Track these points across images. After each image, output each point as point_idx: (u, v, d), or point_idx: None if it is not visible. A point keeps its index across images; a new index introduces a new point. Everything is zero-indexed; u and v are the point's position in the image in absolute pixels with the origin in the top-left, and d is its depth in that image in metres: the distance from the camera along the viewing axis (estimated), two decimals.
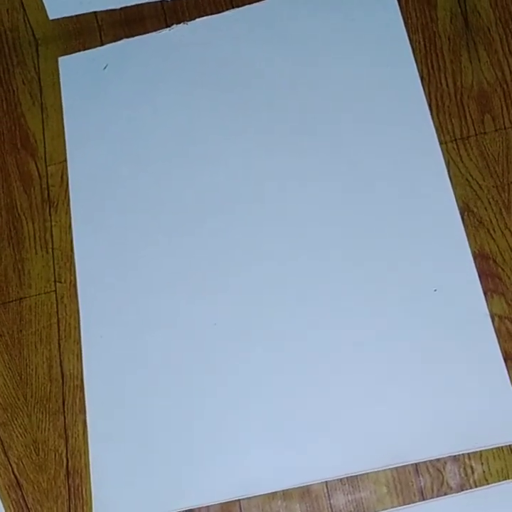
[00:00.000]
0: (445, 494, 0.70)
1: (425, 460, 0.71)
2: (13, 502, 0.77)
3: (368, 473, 0.72)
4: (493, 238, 0.77)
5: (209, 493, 0.74)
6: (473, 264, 0.76)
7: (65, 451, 0.78)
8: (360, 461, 0.72)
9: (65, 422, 0.80)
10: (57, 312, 0.84)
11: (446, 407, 0.72)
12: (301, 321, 0.78)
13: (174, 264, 0.83)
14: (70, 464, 0.78)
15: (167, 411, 0.77)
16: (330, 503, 0.72)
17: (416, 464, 0.71)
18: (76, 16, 0.97)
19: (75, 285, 0.85)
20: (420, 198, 0.80)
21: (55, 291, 0.85)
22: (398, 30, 0.87)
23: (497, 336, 0.73)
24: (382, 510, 0.71)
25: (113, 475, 0.76)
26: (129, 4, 0.96)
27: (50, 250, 0.87)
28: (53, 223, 0.89)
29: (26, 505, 0.77)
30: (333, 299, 0.78)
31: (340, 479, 0.72)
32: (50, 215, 0.89)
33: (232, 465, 0.74)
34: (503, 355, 0.73)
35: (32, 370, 0.82)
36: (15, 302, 0.86)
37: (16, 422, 0.80)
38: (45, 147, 0.92)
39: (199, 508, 0.74)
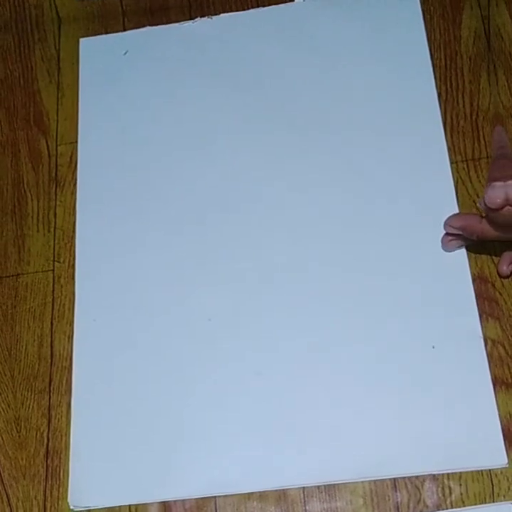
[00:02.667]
0: None
1: (404, 476, 0.71)
2: None
3: (345, 484, 0.72)
4: (494, 262, 0.77)
5: (185, 487, 0.74)
6: (471, 285, 0.76)
7: (46, 430, 0.78)
8: (339, 471, 0.72)
9: (49, 401, 0.80)
10: (52, 292, 0.84)
11: (431, 426, 0.72)
12: (297, 324, 0.78)
13: (174, 256, 0.83)
14: (50, 444, 0.78)
15: (152, 403, 0.77)
16: (305, 509, 0.72)
17: (394, 479, 0.71)
18: None
19: (73, 266, 0.85)
20: (425, 216, 0.80)
21: (53, 270, 0.85)
22: (421, 45, 0.87)
23: (488, 360, 0.73)
24: None
25: (92, 460, 0.76)
26: None
27: (52, 229, 0.87)
28: (58, 203, 0.89)
29: (2, 480, 0.77)
30: (325, 305, 0.78)
31: (318, 486, 0.72)
32: (55, 194, 0.89)
33: (211, 462, 0.74)
34: (492, 379, 0.73)
35: (22, 346, 0.82)
36: (12, 278, 0.86)
37: (0, 397, 0.80)
38: (57, 126, 0.92)
39: (175, 502, 0.74)
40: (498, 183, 0.67)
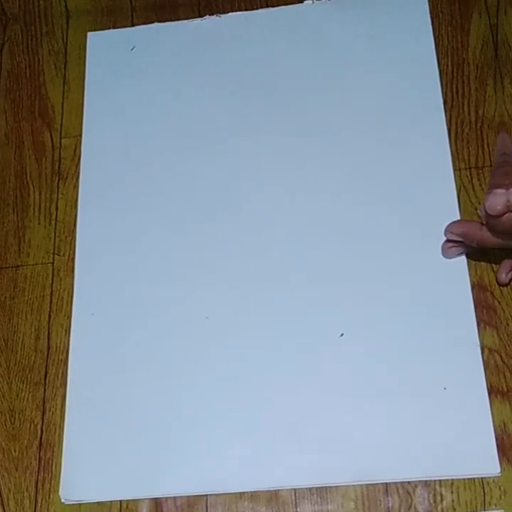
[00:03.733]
0: None
1: (396, 481, 0.71)
2: None
3: (337, 487, 0.72)
4: (493, 271, 0.77)
5: (177, 485, 0.74)
6: (470, 293, 0.76)
7: (40, 423, 0.78)
8: (331, 474, 0.72)
9: (44, 394, 0.79)
10: (51, 284, 0.84)
11: (424, 432, 0.72)
12: (294, 326, 0.78)
13: (173, 253, 0.83)
14: (43, 436, 0.78)
15: (146, 399, 0.77)
16: (296, 511, 0.72)
17: (386, 484, 0.71)
18: None
19: (73, 260, 0.85)
20: (427, 222, 0.80)
21: (53, 263, 0.85)
22: (428, 51, 0.87)
23: (484, 368, 0.73)
24: None
25: (84, 454, 0.76)
26: None
27: (53, 222, 0.87)
28: (60, 196, 0.89)
29: None
30: (323, 308, 0.78)
31: (310, 489, 0.72)
32: (57, 187, 0.89)
33: (204, 460, 0.74)
34: (487, 387, 0.73)
35: (19, 338, 0.82)
36: (11, 269, 0.86)
37: None
38: (62, 119, 0.92)
39: (166, 499, 0.74)
40: (499, 190, 0.67)
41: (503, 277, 0.75)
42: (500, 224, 0.68)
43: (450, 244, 0.77)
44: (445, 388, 0.73)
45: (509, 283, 0.76)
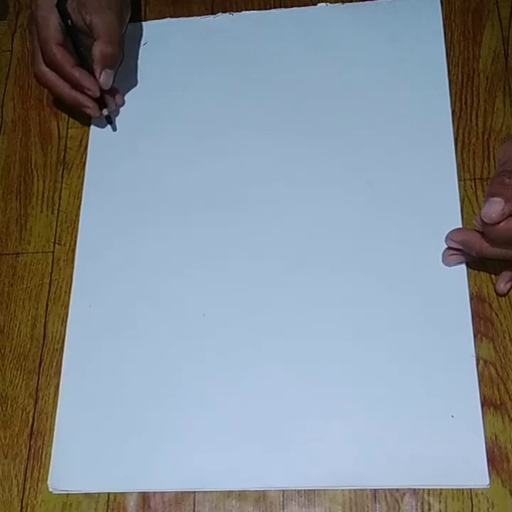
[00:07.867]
0: None
1: (385, 488, 0.71)
2: None
3: (325, 490, 0.72)
4: (493, 282, 0.77)
5: (165, 480, 0.74)
6: (468, 304, 0.76)
7: (32, 411, 0.78)
8: (320, 477, 0.72)
9: (38, 382, 0.80)
10: (51, 273, 0.84)
11: (415, 440, 0.72)
12: (291, 327, 0.78)
13: (174, 250, 0.83)
14: (35, 425, 0.78)
15: (140, 394, 0.77)
16: None
17: (375, 490, 0.71)
18: None
19: (73, 250, 0.85)
20: (429, 231, 0.79)
21: (53, 252, 0.85)
22: (439, 60, 0.87)
23: (479, 380, 0.73)
24: None
25: (75, 444, 0.76)
26: None
27: (55, 211, 0.87)
28: (64, 185, 0.89)
29: None
30: (320, 311, 0.78)
31: (298, 491, 0.72)
32: (62, 176, 0.89)
33: (193, 457, 0.74)
34: (481, 399, 0.73)
35: (15, 325, 0.82)
36: (11, 256, 0.86)
37: None
38: (70, 109, 0.92)
39: (154, 493, 0.74)
40: (495, 198, 0.67)
41: (502, 287, 0.75)
42: (495, 232, 0.69)
43: (450, 252, 0.77)
44: (438, 398, 0.73)
45: (507, 293, 0.76)
